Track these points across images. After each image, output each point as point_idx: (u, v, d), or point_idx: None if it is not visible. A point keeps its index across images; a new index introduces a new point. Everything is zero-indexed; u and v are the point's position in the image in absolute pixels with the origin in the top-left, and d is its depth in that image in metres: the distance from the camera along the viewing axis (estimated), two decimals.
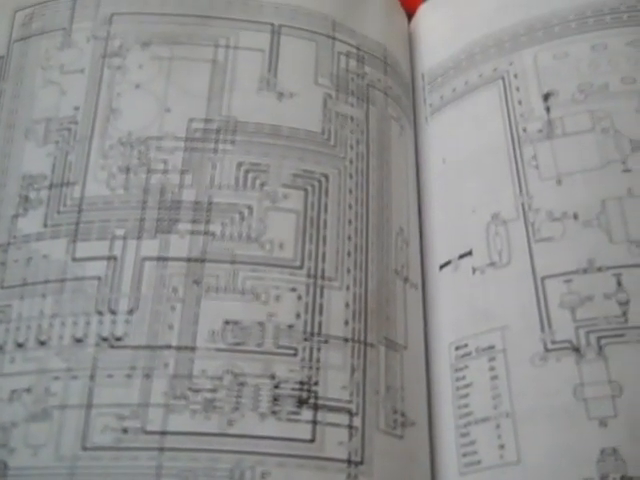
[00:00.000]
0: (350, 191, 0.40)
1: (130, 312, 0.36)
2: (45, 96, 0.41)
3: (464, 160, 0.44)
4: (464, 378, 0.39)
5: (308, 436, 0.35)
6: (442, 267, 0.42)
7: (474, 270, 0.40)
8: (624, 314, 0.36)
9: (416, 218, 0.44)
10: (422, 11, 0.51)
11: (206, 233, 0.37)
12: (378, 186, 0.42)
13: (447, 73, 0.47)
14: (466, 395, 0.38)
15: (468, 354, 0.39)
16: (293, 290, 0.37)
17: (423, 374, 0.41)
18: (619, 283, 0.36)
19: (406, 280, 0.41)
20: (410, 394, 0.39)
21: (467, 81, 0.45)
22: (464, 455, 0.37)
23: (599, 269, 0.37)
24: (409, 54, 0.50)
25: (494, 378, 0.37)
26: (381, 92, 0.45)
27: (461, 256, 0.41)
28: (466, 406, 0.38)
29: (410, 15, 0.52)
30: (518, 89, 0.43)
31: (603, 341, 0.35)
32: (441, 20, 0.50)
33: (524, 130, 0.42)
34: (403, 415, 0.38)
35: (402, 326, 0.40)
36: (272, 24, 0.43)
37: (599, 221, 0.38)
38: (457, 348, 0.40)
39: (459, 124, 0.45)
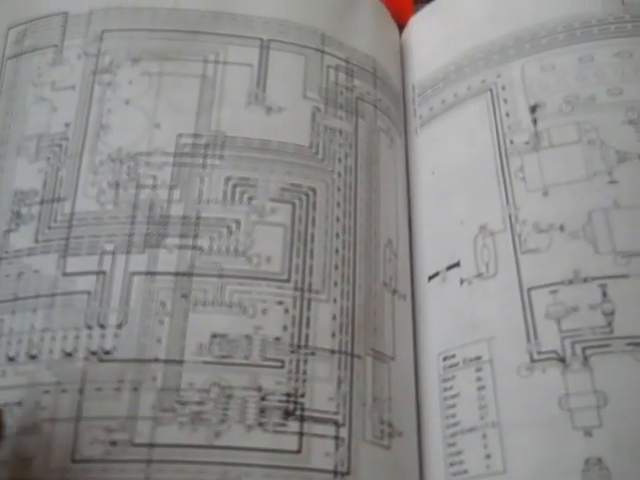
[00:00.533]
0: (338, 204, 0.41)
1: (119, 326, 0.36)
2: (37, 112, 0.42)
3: (452, 172, 0.44)
4: (451, 388, 0.39)
5: (295, 447, 0.35)
6: (431, 278, 0.42)
7: (462, 281, 0.41)
8: (609, 324, 0.36)
9: (406, 230, 0.45)
10: (413, 23, 0.52)
11: (194, 247, 0.38)
12: (366, 199, 0.42)
13: (437, 85, 0.47)
14: (453, 405, 0.38)
15: (455, 365, 0.39)
16: (280, 303, 0.37)
17: (411, 385, 0.41)
18: (604, 294, 0.36)
19: (395, 292, 0.41)
20: (398, 405, 0.39)
21: (456, 93, 0.46)
22: (451, 465, 0.37)
23: (585, 280, 0.37)
24: (400, 66, 0.50)
25: (481, 388, 0.38)
26: (370, 105, 0.45)
27: (449, 267, 0.42)
28: (453, 416, 0.38)
29: (402, 27, 0.52)
30: (506, 101, 0.43)
31: (588, 351, 0.36)
32: (431, 32, 0.50)
33: (511, 142, 0.42)
34: (390, 425, 0.38)
35: (390, 337, 0.40)
36: (261, 39, 0.43)
37: (585, 232, 0.38)
38: (445, 359, 0.40)
39: (448, 136, 0.45)
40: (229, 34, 0.43)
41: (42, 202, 0.39)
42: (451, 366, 0.39)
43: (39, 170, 0.40)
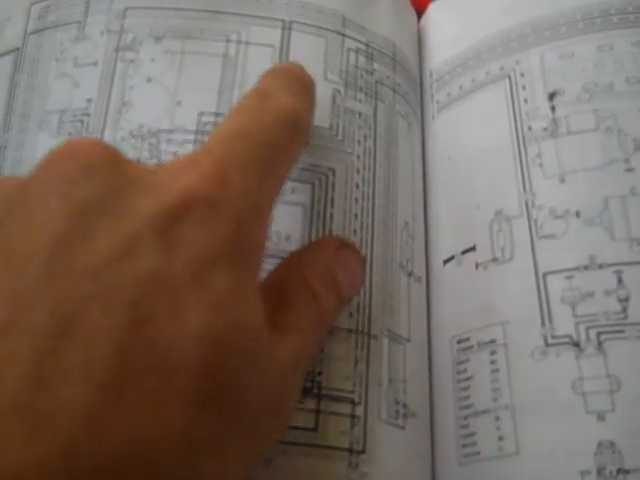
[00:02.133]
0: (357, 185, 0.41)
1: None
2: (59, 88, 0.42)
3: (469, 157, 0.44)
4: (465, 371, 0.39)
5: (312, 425, 0.35)
6: (446, 262, 0.43)
7: (477, 265, 0.41)
8: (624, 310, 0.36)
9: (421, 213, 0.45)
10: (431, 9, 0.52)
11: None
12: (385, 181, 0.42)
13: (454, 71, 0.48)
14: (467, 388, 0.39)
15: (470, 348, 0.39)
16: None
17: (426, 367, 0.41)
18: (620, 280, 0.37)
19: (410, 274, 0.42)
20: (412, 386, 0.39)
21: (474, 79, 0.46)
22: (464, 446, 0.38)
23: (600, 266, 0.37)
24: (418, 51, 0.51)
25: (495, 371, 0.38)
26: (389, 89, 0.45)
27: (464, 251, 0.42)
28: (467, 398, 0.39)
29: (420, 13, 0.52)
30: (524, 88, 0.44)
31: (602, 337, 0.36)
32: (449, 18, 0.50)
33: (529, 128, 0.42)
34: (405, 406, 0.38)
35: (406, 319, 0.40)
36: (283, 20, 0.44)
37: (601, 219, 0.38)
38: (459, 342, 0.40)
39: (465, 121, 0.46)
40: (252, 15, 0.43)
41: None
42: (465, 349, 0.40)
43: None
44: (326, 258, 0.35)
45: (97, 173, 0.25)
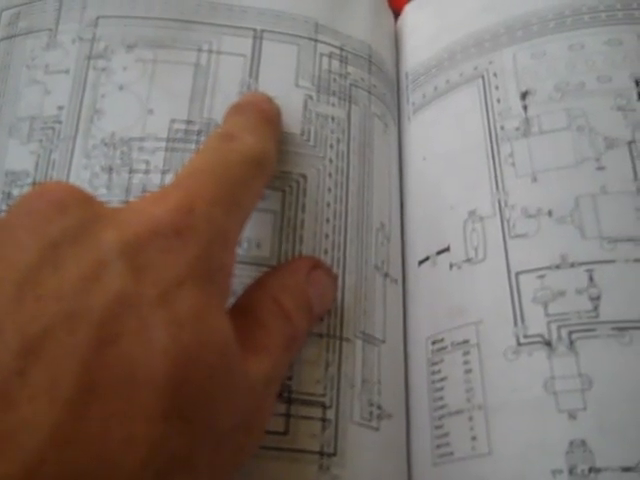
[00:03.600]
0: (329, 190, 0.41)
1: None
2: (30, 95, 0.42)
3: (443, 158, 0.44)
4: (439, 372, 0.39)
5: (281, 429, 0.35)
6: (421, 263, 0.43)
7: (451, 266, 0.41)
8: (595, 309, 0.36)
9: (398, 214, 0.45)
10: (407, 10, 0.52)
11: None
12: (359, 183, 0.42)
13: (429, 72, 0.48)
14: (441, 388, 0.39)
15: (444, 348, 0.40)
16: None
17: (401, 368, 0.41)
18: (591, 278, 0.37)
19: (386, 275, 0.42)
20: (387, 387, 0.39)
21: (448, 80, 0.46)
22: (438, 447, 0.38)
23: (572, 265, 0.37)
24: (395, 53, 0.51)
25: (468, 372, 0.38)
26: (365, 91, 0.45)
27: (439, 252, 0.42)
28: (441, 399, 0.39)
29: (397, 14, 0.52)
30: (497, 88, 0.44)
31: (574, 335, 0.36)
32: (425, 19, 0.50)
33: (502, 128, 0.42)
34: (379, 408, 0.38)
35: (381, 320, 0.41)
36: (254, 29, 0.44)
37: (572, 218, 0.38)
38: (434, 342, 0.40)
39: (440, 122, 0.46)
40: (223, 24, 0.44)
41: (34, 183, 0.40)
42: (439, 350, 0.40)
43: (31, 152, 0.40)
44: (298, 279, 0.36)
45: (68, 210, 0.26)
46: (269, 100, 0.38)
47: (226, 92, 0.42)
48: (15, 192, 0.39)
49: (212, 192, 0.30)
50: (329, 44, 0.45)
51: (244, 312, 0.32)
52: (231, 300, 0.33)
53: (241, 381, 0.28)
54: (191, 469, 0.25)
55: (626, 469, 0.33)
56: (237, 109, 0.37)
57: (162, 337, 0.24)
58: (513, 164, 0.41)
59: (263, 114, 0.37)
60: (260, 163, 0.33)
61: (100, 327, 0.23)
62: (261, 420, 0.31)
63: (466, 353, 0.38)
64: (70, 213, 0.26)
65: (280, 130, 0.38)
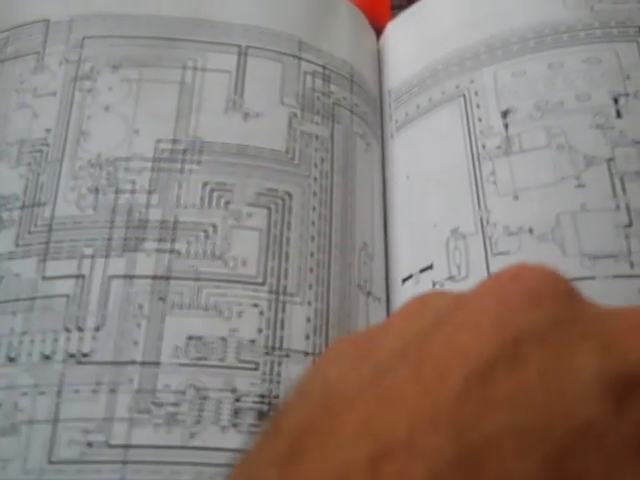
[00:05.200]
0: (314, 208, 0.41)
1: (97, 329, 0.37)
2: (18, 119, 0.42)
3: (426, 176, 0.45)
4: None
5: None
6: (404, 281, 0.43)
7: (434, 284, 0.42)
8: None
9: (381, 233, 0.45)
10: (389, 29, 0.52)
11: (171, 251, 0.39)
12: (342, 203, 0.43)
13: (412, 90, 0.48)
14: None
15: None
16: (255, 306, 0.38)
17: None
18: None
19: (369, 294, 0.42)
20: None
21: (431, 98, 0.47)
22: None
23: None
24: (377, 71, 0.51)
25: None
26: (347, 110, 0.46)
27: (422, 270, 0.42)
28: None
29: (379, 32, 0.53)
30: (478, 106, 0.44)
31: None
32: (407, 38, 0.51)
33: (483, 146, 0.43)
34: None
35: None
36: (239, 45, 0.44)
37: (553, 235, 0.39)
38: None
39: (422, 140, 0.46)
40: (208, 41, 0.44)
41: (23, 207, 0.40)
42: None
43: (20, 175, 0.41)
44: None
45: (542, 303, 0.22)
46: None
47: (212, 109, 0.42)
48: (5, 215, 0.40)
49: None
50: (312, 62, 0.46)
51: None
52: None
53: None
54: None
55: None
56: None
57: None
58: (495, 182, 0.42)
59: None
60: None
61: (556, 460, 0.19)
62: None
63: None
64: (544, 308, 0.22)
65: None
